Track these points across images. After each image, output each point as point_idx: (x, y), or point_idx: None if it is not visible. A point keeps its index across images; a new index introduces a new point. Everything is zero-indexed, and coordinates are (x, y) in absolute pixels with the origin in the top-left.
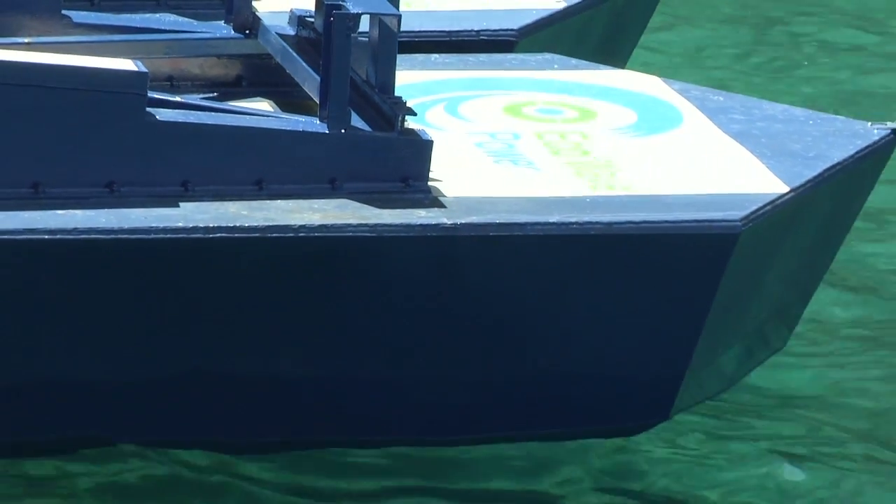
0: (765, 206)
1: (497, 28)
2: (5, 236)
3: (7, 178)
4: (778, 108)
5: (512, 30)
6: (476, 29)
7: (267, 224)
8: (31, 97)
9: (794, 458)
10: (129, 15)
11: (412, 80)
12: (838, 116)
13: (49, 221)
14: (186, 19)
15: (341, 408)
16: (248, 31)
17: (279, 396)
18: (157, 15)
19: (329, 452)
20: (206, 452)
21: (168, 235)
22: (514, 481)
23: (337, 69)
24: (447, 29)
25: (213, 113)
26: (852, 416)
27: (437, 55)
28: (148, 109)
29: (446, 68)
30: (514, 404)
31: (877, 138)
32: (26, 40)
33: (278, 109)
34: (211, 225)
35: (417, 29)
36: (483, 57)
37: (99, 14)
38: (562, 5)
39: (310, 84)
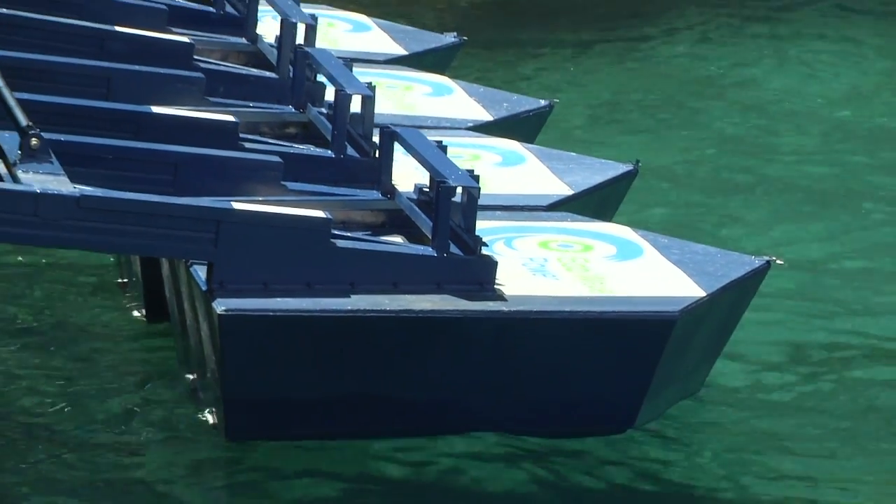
0: (692, 303)
1: (533, 204)
2: (247, 313)
3: (248, 279)
4: (699, 247)
5: (543, 205)
6: (520, 204)
7: (400, 308)
8: (262, 233)
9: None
10: (321, 186)
11: (484, 226)
12: (734, 252)
13: (272, 304)
14: (354, 189)
15: (433, 411)
16: (389, 196)
17: (404, 406)
18: (335, 188)
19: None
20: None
21: (342, 314)
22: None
23: (442, 219)
24: (503, 203)
25: (367, 242)
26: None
27: (500, 212)
28: (331, 240)
29: (504, 219)
30: (536, 413)
31: (757, 265)
32: (260, 199)
33: (406, 241)
34: (367, 308)
35: (486, 203)
36: (525, 214)
37: (303, 185)
38: (571, 192)
39: (425, 227)
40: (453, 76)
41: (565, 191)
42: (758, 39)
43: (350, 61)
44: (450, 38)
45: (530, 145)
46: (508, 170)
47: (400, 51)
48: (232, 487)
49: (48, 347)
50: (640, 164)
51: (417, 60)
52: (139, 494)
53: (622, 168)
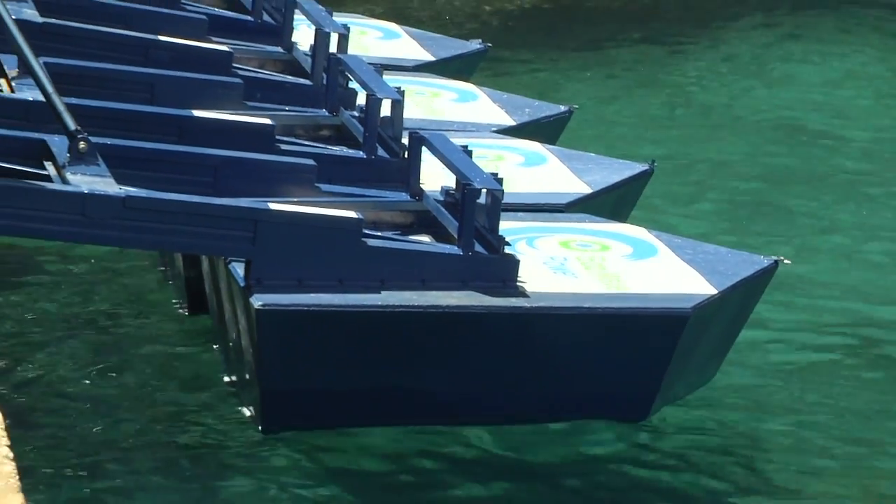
0: (704, 299)
1: (554, 202)
2: (282, 308)
3: (284, 275)
4: (710, 247)
5: (562, 203)
6: (542, 202)
7: (428, 304)
8: (297, 232)
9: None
10: (353, 187)
11: (507, 226)
12: (744, 252)
13: (307, 299)
14: (385, 192)
15: (458, 401)
16: (417, 197)
17: (430, 396)
18: (366, 190)
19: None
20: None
21: (372, 310)
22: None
23: (467, 220)
24: (529, 201)
25: (396, 241)
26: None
27: (522, 213)
28: (362, 239)
29: (526, 220)
30: (554, 405)
31: (766, 264)
32: (295, 199)
33: (434, 241)
34: (396, 304)
35: (512, 201)
36: (546, 216)
37: (336, 186)
38: (590, 190)
39: (451, 227)
40: (477, 81)
41: (584, 189)
42: (779, 50)
43: (380, 67)
44: (475, 44)
45: (552, 146)
46: (531, 169)
47: (428, 57)
48: (267, 477)
49: (90, 339)
50: (655, 164)
51: (444, 66)
52: (174, 483)
53: (639, 168)
